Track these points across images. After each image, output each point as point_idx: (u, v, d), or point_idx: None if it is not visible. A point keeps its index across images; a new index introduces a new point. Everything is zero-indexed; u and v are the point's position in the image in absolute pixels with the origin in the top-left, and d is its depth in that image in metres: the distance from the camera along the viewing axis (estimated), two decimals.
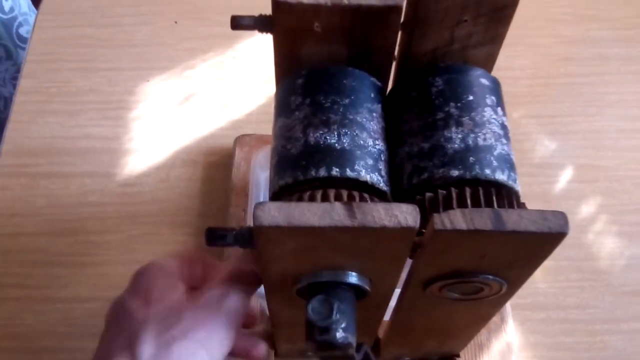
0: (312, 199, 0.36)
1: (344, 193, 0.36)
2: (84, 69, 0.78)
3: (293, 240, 0.32)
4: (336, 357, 0.36)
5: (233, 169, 0.67)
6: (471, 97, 0.40)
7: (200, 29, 0.81)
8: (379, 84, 0.42)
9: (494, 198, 0.36)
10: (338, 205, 0.31)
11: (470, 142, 0.38)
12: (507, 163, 0.38)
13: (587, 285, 0.64)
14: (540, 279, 0.64)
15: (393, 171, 0.40)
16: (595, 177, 0.71)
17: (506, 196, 0.37)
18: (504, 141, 0.39)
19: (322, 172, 0.37)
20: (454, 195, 0.36)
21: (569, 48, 0.81)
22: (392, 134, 0.41)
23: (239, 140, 0.69)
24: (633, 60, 0.80)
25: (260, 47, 0.80)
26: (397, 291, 0.42)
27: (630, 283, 0.64)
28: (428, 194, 0.37)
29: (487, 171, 0.37)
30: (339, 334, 0.34)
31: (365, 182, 0.37)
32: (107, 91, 0.76)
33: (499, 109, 0.40)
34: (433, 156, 0.38)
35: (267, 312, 0.46)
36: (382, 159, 0.39)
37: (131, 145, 0.72)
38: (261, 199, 0.64)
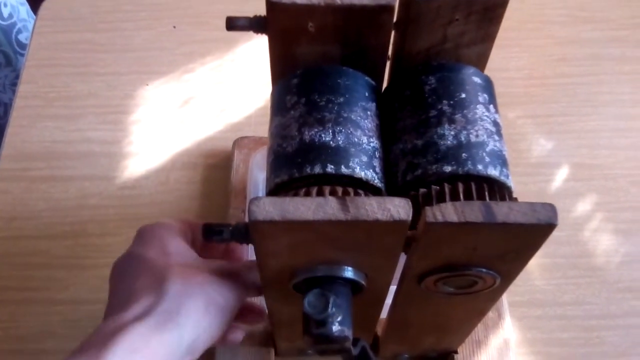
0: (307, 195, 0.36)
1: (339, 189, 0.37)
2: (83, 74, 0.78)
3: (288, 234, 0.33)
4: (333, 350, 0.36)
5: (232, 171, 0.68)
6: (463, 95, 0.40)
7: (199, 33, 0.82)
8: (373, 82, 0.43)
9: (486, 193, 0.37)
10: (332, 200, 0.32)
11: (463, 138, 0.39)
12: (499, 159, 0.39)
13: (583, 282, 0.64)
14: (537, 276, 0.64)
15: (387, 168, 0.40)
16: (590, 176, 0.71)
17: (498, 191, 0.38)
18: (496, 138, 0.40)
19: (317, 169, 0.37)
20: (446, 190, 0.37)
21: (564, 49, 0.82)
22: (386, 132, 0.42)
23: (238, 142, 0.70)
24: (627, 60, 0.81)
25: (258, 50, 0.80)
26: (393, 288, 0.43)
27: (625, 279, 0.64)
28: (422, 190, 0.38)
29: (480, 167, 0.38)
30: (335, 327, 0.35)
31: (360, 179, 0.38)
32: (106, 95, 0.77)
33: (491, 106, 0.41)
34: (426, 153, 0.39)
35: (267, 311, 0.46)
36: (377, 156, 0.39)
37: (131, 148, 0.73)
38: None
